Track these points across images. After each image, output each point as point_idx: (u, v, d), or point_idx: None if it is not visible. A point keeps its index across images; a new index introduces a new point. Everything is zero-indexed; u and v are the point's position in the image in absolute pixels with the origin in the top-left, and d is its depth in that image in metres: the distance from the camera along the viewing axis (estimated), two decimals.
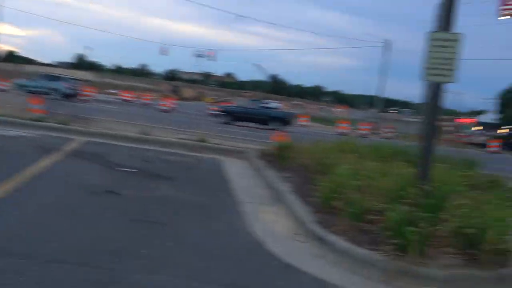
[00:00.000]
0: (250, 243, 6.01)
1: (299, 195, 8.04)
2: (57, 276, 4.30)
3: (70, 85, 33.65)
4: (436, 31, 6.78)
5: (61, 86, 32.61)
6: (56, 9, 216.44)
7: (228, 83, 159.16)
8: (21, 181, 7.55)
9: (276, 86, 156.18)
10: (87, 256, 4.84)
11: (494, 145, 33.19)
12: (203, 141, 14.16)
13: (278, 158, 11.40)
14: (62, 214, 6.26)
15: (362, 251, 5.47)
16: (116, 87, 64.11)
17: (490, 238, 5.24)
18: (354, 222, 6.12)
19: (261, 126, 27.74)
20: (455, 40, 6.54)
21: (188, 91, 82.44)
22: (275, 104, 42.29)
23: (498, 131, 50.28)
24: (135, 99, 43.60)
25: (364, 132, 33.58)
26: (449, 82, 6.64)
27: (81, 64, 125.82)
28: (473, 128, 54.03)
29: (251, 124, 27.93)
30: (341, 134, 28.38)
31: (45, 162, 9.22)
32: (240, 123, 28.07)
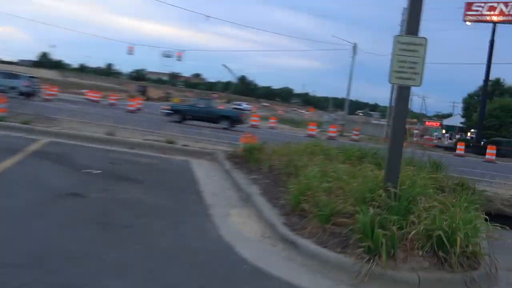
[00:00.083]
0: (219, 247, 5.93)
1: (268, 197, 8.00)
2: (13, 280, 4.14)
3: (29, 83, 32.87)
4: (402, 35, 6.89)
5: (19, 84, 31.83)
6: (20, 6, 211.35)
7: (196, 84, 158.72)
8: None
9: (245, 88, 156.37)
10: (46, 261, 4.68)
11: (461, 148, 34.30)
12: (171, 142, 13.99)
13: (246, 160, 11.36)
14: (23, 217, 6.04)
15: (332, 255, 5.46)
16: (81, 86, 63.00)
17: (460, 241, 5.30)
18: (324, 225, 6.12)
19: (212, 125, 27.64)
20: (421, 44, 6.64)
21: (155, 92, 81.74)
22: (246, 105, 42.50)
23: (468, 134, 51.77)
24: (101, 99, 42.95)
25: (332, 134, 33.88)
26: (415, 85, 6.72)
27: (45, 62, 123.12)
28: (443, 132, 55.39)
29: (201, 123, 27.68)
30: (310, 136, 28.56)
31: (5, 163, 8.91)
32: (190, 122, 27.81)
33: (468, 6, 46.43)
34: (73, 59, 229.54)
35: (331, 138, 31.41)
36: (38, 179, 8.24)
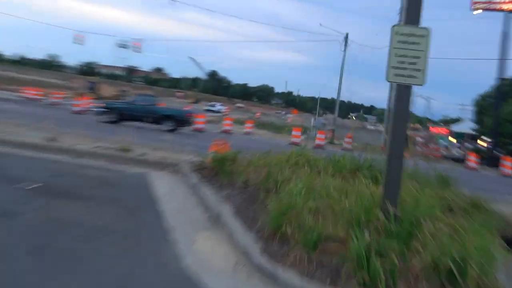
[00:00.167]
0: (182, 280, 5.84)
1: (242, 218, 7.95)
2: None
3: None
4: (401, 25, 6.86)
5: None
6: None
7: (158, 80, 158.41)
8: None
9: (216, 85, 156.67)
10: None
11: (473, 160, 33.79)
12: (126, 150, 13.83)
13: (217, 173, 11.30)
14: None
15: None
16: (19, 82, 62.25)
17: (472, 272, 5.28)
18: (310, 252, 6.08)
19: (154, 126, 27.68)
20: (423, 36, 6.64)
21: (108, 89, 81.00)
22: (220, 106, 42.53)
23: (479, 142, 52.14)
24: (42, 97, 42.45)
25: (320, 142, 34.04)
26: (417, 84, 6.72)
27: None
28: (451, 140, 55.90)
29: (141, 124, 27.51)
30: (293, 144, 28.63)
31: None
32: (127, 122, 27.57)
33: None
34: (9, 50, 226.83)
35: (318, 146, 31.51)
36: None
